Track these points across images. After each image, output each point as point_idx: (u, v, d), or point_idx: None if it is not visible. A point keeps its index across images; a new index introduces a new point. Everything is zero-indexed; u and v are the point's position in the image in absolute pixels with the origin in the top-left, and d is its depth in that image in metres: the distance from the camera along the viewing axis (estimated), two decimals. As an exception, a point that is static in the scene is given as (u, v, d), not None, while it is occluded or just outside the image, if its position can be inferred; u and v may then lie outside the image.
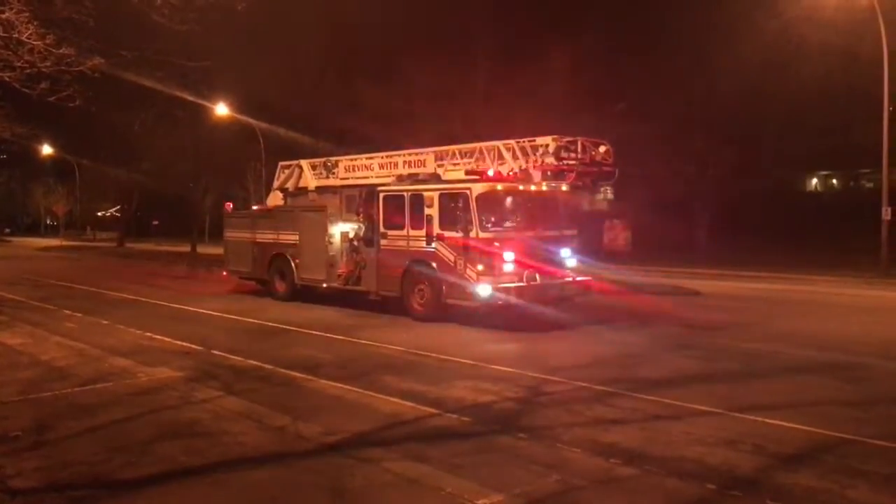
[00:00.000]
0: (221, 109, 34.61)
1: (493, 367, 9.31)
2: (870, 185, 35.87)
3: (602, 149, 12.96)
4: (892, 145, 21.20)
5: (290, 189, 17.83)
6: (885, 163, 21.41)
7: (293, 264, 16.48)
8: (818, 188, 44.89)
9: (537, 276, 12.55)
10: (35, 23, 11.91)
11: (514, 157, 12.89)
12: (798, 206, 36.07)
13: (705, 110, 29.62)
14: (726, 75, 28.48)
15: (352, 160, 16.44)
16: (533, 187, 12.97)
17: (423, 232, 13.22)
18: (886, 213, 21.20)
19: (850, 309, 15.24)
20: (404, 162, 14.84)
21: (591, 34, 29.72)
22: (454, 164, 13.78)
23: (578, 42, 30.01)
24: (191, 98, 32.93)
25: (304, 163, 17.62)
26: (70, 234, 63.24)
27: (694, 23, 27.56)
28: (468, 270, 12.38)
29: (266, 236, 17.39)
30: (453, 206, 12.77)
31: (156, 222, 69.68)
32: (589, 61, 29.79)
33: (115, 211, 66.90)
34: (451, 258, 12.68)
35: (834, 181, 44.48)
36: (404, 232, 13.63)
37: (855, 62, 24.14)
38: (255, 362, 9.70)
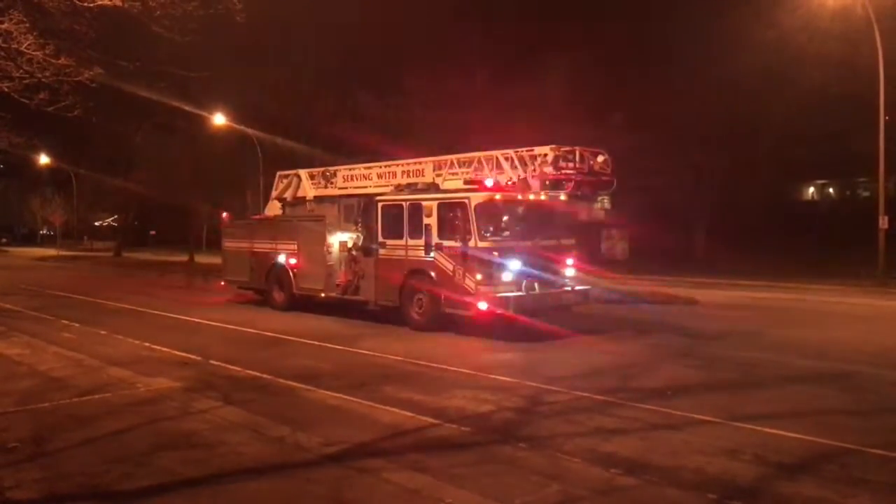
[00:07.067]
0: (219, 119, 34.65)
1: (492, 376, 9.30)
2: (866, 193, 36.01)
3: (600, 158, 12.97)
4: (888, 154, 21.30)
5: (289, 199, 17.83)
6: (882, 172, 21.50)
7: (291, 274, 16.47)
8: (815, 197, 45.03)
9: (536, 285, 12.55)
10: (34, 33, 11.96)
11: (513, 167, 12.90)
12: (795, 215, 36.18)
13: (703, 120, 29.72)
14: (724, 85, 28.60)
15: (350, 170, 16.45)
16: (531, 197, 12.97)
17: (421, 241, 13.22)
18: (883, 221, 21.26)
19: (847, 318, 15.26)
20: (403, 171, 14.85)
21: (588, 45, 29.88)
22: (452, 174, 13.78)
23: (576, 52, 30.16)
24: (189, 108, 32.97)
25: (303, 172, 17.64)
26: (67, 243, 63.05)
27: (691, 33, 27.70)
28: (467, 280, 12.37)
29: (264, 246, 17.38)
30: (452, 216, 12.77)
31: (153, 232, 69.52)
32: (586, 71, 29.94)
33: (113, 220, 66.78)
34: (450, 268, 12.67)
35: (830, 190, 44.63)
36: (403, 241, 13.63)
37: (851, 71, 24.26)
38: (253, 372, 9.67)
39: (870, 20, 21.17)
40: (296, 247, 16.45)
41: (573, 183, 12.68)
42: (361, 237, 15.14)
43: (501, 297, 12.09)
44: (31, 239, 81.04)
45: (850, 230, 27.62)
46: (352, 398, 8.18)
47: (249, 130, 34.59)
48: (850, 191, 41.50)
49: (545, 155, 12.52)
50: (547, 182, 12.73)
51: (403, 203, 13.76)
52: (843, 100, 25.41)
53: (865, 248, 22.38)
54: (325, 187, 16.77)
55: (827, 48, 24.77)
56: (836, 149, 29.50)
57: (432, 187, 13.91)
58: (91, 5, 11.44)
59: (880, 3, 21.60)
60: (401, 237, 13.66)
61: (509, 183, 12.88)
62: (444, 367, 9.97)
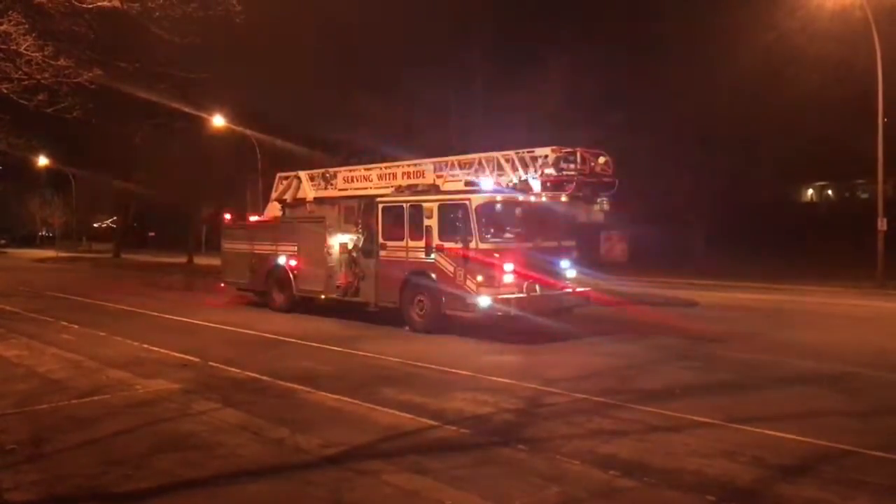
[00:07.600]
0: (219, 121, 34.66)
1: (492, 378, 9.29)
2: (865, 195, 36.04)
3: (601, 160, 12.96)
4: (886, 156, 21.32)
5: (289, 200, 17.81)
6: (881, 173, 21.52)
7: (291, 275, 16.46)
8: (814, 199, 45.04)
9: (537, 287, 12.55)
10: (33, 34, 11.95)
11: (514, 168, 12.90)
12: (794, 217, 36.18)
13: (701, 121, 29.73)
14: (722, 86, 28.61)
15: (350, 171, 16.44)
16: (532, 198, 12.98)
17: (422, 243, 13.21)
18: (882, 223, 21.27)
19: (846, 319, 15.27)
20: (403, 173, 14.84)
21: (588, 46, 29.90)
22: (453, 175, 13.78)
23: (576, 53, 30.17)
24: (189, 110, 32.95)
25: (303, 174, 17.62)
26: (66, 245, 63.06)
27: (690, 35, 27.70)
28: (468, 281, 12.36)
29: (264, 247, 17.37)
30: (453, 217, 12.77)
31: (152, 233, 69.53)
32: (586, 73, 29.94)
33: (111, 222, 66.80)
34: (451, 269, 12.66)
35: (829, 192, 44.64)
36: (403, 243, 13.62)
37: (850, 73, 24.27)
38: (252, 374, 9.67)
39: (868, 21, 21.19)
40: (296, 248, 16.44)
41: (574, 184, 12.68)
42: (362, 239, 15.14)
43: (502, 299, 12.08)
44: (29, 240, 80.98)
45: (848, 232, 27.63)
46: (351, 400, 8.17)
47: (249, 131, 34.59)
48: (849, 192, 41.52)
49: (546, 156, 12.52)
50: (548, 183, 12.73)
51: (404, 204, 13.75)
52: (841, 101, 25.41)
53: (864, 250, 22.38)
54: (326, 189, 16.75)
55: (826, 49, 24.77)
56: (835, 150, 29.51)
57: (433, 188, 13.90)
58: (90, 6, 11.43)
59: (879, 4, 21.62)
60: (401, 239, 13.65)
61: (510, 184, 12.89)
62: (444, 368, 9.97)
